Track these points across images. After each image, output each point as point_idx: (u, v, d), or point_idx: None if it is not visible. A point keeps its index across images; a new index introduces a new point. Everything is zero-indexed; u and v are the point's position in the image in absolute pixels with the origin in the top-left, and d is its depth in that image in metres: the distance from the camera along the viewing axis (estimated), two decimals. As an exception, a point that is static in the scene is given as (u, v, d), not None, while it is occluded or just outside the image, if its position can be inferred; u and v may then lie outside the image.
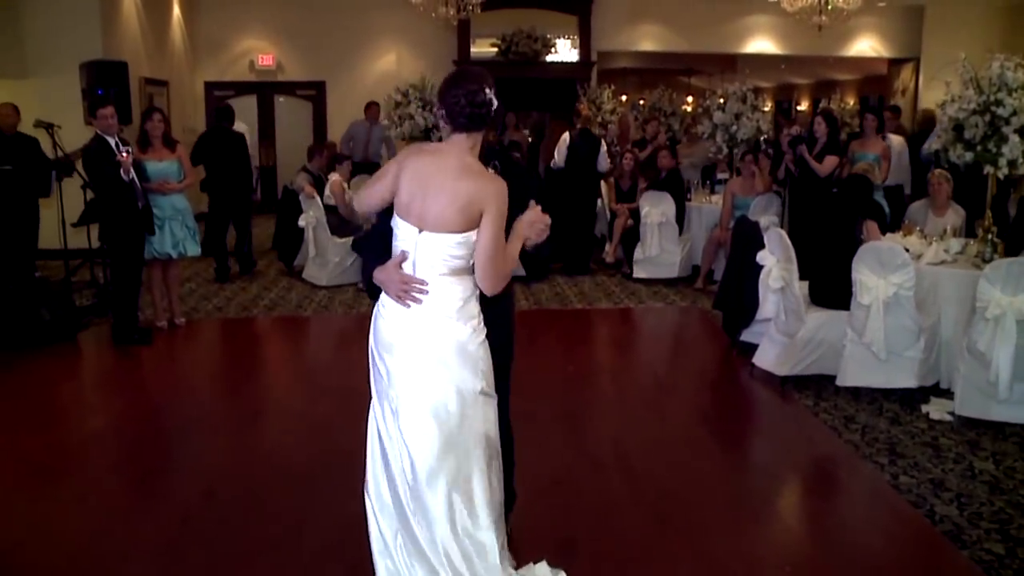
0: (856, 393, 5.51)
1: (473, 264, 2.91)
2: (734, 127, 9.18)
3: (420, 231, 2.88)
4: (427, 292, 2.89)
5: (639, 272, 9.23)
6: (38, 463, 4.61)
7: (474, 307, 2.97)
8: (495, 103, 2.93)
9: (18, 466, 4.61)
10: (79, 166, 7.54)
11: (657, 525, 3.82)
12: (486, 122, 2.95)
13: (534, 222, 3.00)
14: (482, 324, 3.00)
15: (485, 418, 3.01)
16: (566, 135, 9.98)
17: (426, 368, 2.91)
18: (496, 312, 3.21)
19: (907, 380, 5.40)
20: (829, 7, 10.84)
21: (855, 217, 5.73)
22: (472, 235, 2.87)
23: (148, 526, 3.88)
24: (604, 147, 10.06)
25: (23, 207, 8.05)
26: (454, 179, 2.85)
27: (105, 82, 8.90)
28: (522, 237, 2.99)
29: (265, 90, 14.52)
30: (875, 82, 17.52)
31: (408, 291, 2.89)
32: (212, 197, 9.60)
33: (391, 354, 2.96)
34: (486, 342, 3.01)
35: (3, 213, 7.74)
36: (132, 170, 6.61)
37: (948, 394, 5.36)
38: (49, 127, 7.92)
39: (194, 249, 7.32)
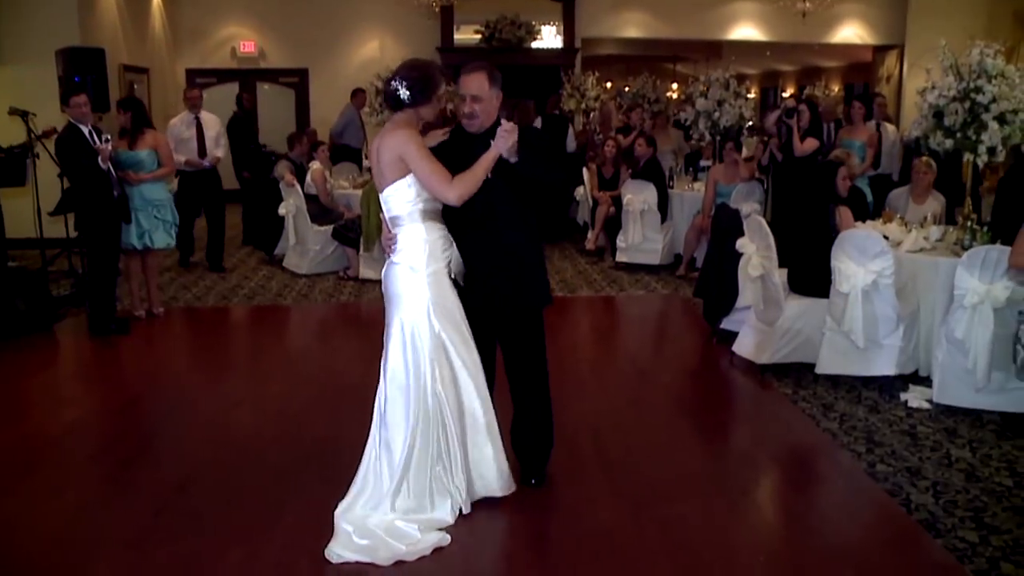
0: (835, 381, 5.51)
1: (423, 209, 3.58)
2: (716, 114, 9.15)
3: (381, 193, 3.64)
4: (395, 242, 3.61)
5: (621, 259, 9.22)
6: (12, 455, 4.56)
7: (422, 251, 3.56)
8: (400, 93, 3.54)
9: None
10: (48, 147, 7.46)
11: (632, 516, 3.80)
12: (397, 106, 3.58)
13: (499, 134, 3.51)
14: (434, 267, 3.57)
15: (431, 360, 3.56)
16: (538, 119, 10.80)
17: (387, 304, 3.67)
18: (525, 256, 3.79)
19: (886, 368, 5.39)
20: (812, -7, 10.80)
21: (827, 204, 5.70)
22: (405, 179, 3.53)
23: (121, 518, 3.83)
24: (571, 130, 11.09)
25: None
26: (377, 147, 3.59)
27: (82, 69, 8.76)
28: (496, 150, 3.52)
29: (247, 77, 14.37)
30: (860, 69, 17.54)
31: (388, 244, 3.66)
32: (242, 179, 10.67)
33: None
34: (438, 284, 3.58)
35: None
36: (108, 160, 6.54)
37: (927, 382, 5.36)
38: (24, 115, 7.84)
39: (163, 240, 7.16)
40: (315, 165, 9.06)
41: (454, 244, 3.70)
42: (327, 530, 3.55)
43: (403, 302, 3.59)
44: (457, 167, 3.55)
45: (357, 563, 3.40)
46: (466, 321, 3.67)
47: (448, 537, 3.53)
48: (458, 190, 3.50)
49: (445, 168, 3.52)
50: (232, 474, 4.23)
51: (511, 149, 3.53)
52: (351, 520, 3.53)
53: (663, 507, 3.89)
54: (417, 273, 3.56)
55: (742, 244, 5.79)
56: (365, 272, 8.50)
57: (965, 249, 5.40)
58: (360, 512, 3.56)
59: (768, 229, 5.68)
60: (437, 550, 3.47)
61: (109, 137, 6.65)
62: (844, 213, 5.64)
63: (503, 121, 3.55)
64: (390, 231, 3.66)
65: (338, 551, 3.44)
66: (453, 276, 3.69)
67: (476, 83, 3.63)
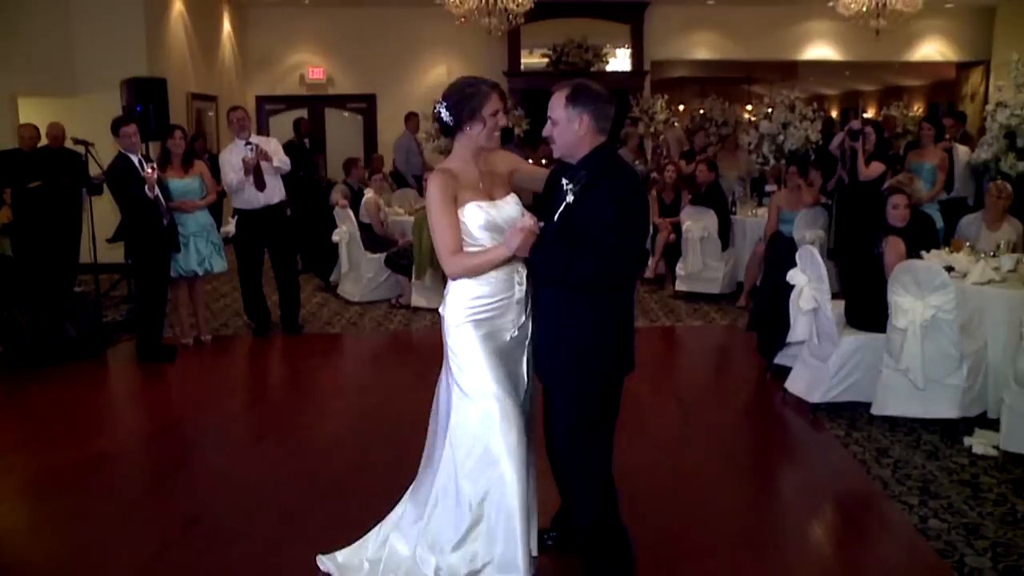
0: (893, 423, 5.12)
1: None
2: (780, 137, 8.77)
3: None
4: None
5: (680, 287, 8.91)
6: (33, 481, 4.58)
7: (454, 303, 3.19)
8: (443, 115, 3.19)
9: (17, 482, 4.60)
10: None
11: (648, 570, 3.53)
12: (448, 132, 3.26)
13: (514, 232, 3.00)
14: (459, 322, 3.17)
15: (455, 413, 3.21)
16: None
17: None
18: (564, 322, 3.18)
19: (948, 410, 4.98)
20: (887, 10, 10.33)
21: (876, 231, 5.31)
22: None
23: (127, 551, 3.78)
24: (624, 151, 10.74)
25: (61, 222, 8.14)
26: None
27: (144, 98, 8.91)
28: (507, 250, 3.02)
29: (316, 103, 14.55)
30: (944, 87, 16.83)
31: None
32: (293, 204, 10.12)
33: None
34: (462, 338, 3.17)
35: (39, 227, 7.83)
36: (156, 187, 6.57)
37: (996, 425, 4.92)
38: (86, 144, 8.01)
39: (220, 265, 7.27)
40: (369, 194, 9.00)
41: (518, 295, 3.24)
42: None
43: (446, 350, 3.27)
44: (546, 197, 3.26)
45: None
46: (515, 391, 3.24)
47: None
48: (454, 268, 3.13)
49: (457, 235, 3.10)
50: (240, 513, 4.12)
51: (522, 249, 3.02)
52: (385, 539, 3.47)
53: (681, 559, 3.61)
54: (450, 326, 3.21)
55: (793, 275, 5.45)
56: (417, 300, 8.40)
57: (1038, 281, 4.99)
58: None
59: (820, 260, 5.35)
60: None
61: (154, 165, 6.69)
62: (891, 243, 5.19)
63: (527, 215, 3.06)
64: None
65: (329, 562, 3.49)
66: (510, 335, 3.24)
67: (552, 103, 3.13)
